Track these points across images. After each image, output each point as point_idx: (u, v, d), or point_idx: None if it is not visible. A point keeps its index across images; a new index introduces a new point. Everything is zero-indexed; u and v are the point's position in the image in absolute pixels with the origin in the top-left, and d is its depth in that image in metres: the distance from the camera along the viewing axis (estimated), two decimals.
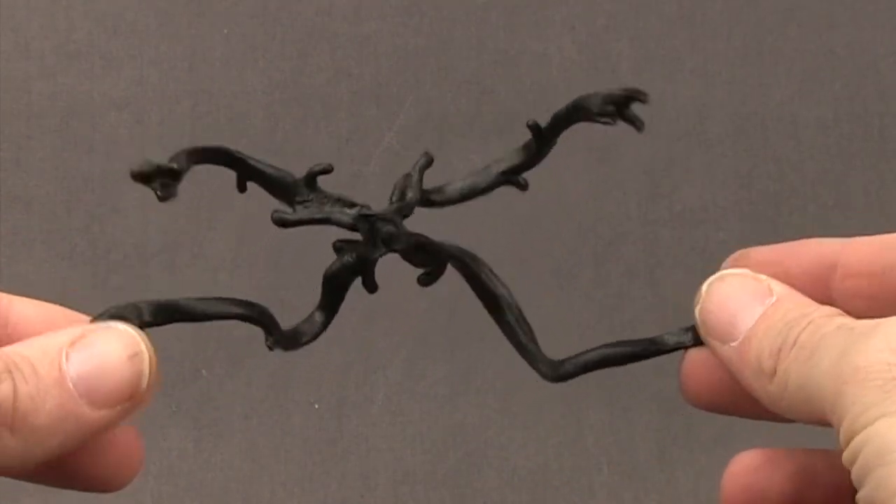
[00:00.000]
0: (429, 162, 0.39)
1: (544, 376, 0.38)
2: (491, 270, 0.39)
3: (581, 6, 0.87)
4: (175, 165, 0.36)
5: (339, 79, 0.86)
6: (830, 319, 0.33)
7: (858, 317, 0.34)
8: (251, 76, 0.86)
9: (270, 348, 0.36)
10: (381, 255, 0.38)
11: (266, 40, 0.87)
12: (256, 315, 0.36)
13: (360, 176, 0.86)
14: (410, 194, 0.39)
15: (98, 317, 0.35)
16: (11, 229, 0.85)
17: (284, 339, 0.36)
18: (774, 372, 0.33)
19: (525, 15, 0.87)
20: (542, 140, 0.38)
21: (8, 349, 0.32)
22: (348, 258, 0.38)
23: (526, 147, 0.38)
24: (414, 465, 0.83)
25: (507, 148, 0.36)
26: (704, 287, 0.38)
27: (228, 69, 0.86)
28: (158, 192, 0.36)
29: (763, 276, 0.36)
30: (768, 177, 0.86)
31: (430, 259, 0.39)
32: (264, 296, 0.87)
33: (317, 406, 0.83)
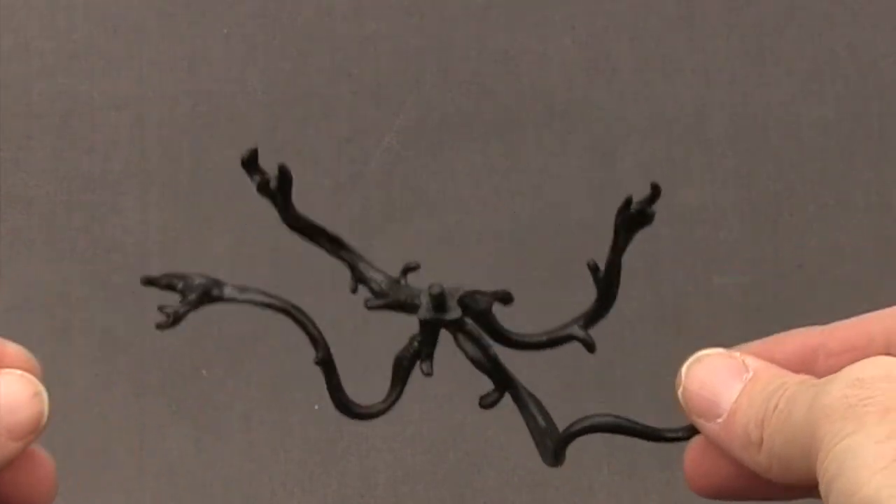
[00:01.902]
0: (507, 297, 0.42)
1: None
2: (550, 417, 0.43)
3: (581, 6, 0.87)
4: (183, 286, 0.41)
5: (339, 79, 0.86)
6: (802, 379, 0.36)
7: None
8: (251, 76, 0.86)
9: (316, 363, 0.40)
10: (431, 322, 0.42)
11: (266, 40, 0.87)
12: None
13: (360, 176, 0.86)
14: (478, 297, 0.42)
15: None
16: (11, 229, 0.85)
17: (345, 405, 0.40)
18: (762, 441, 0.36)
19: (525, 15, 0.87)
20: (598, 277, 0.42)
21: None
22: (415, 336, 0.43)
23: (593, 303, 0.42)
24: (414, 465, 0.83)
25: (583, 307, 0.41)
26: (683, 370, 0.39)
27: (228, 69, 0.86)
28: (258, 183, 0.39)
29: (737, 353, 0.39)
30: (768, 177, 0.86)
31: (486, 364, 0.42)
32: None
33: (317, 406, 0.83)
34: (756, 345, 0.40)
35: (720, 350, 0.39)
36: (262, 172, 0.39)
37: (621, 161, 0.86)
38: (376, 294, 0.43)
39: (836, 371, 0.37)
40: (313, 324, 0.42)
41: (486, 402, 0.42)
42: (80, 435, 0.83)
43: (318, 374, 0.81)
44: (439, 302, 0.41)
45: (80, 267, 0.84)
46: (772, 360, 0.39)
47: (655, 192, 0.38)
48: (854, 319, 0.41)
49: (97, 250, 0.85)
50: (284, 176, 0.38)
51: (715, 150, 0.86)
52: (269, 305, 0.41)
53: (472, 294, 0.41)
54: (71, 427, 0.83)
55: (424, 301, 0.41)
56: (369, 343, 0.84)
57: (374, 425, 0.86)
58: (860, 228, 0.86)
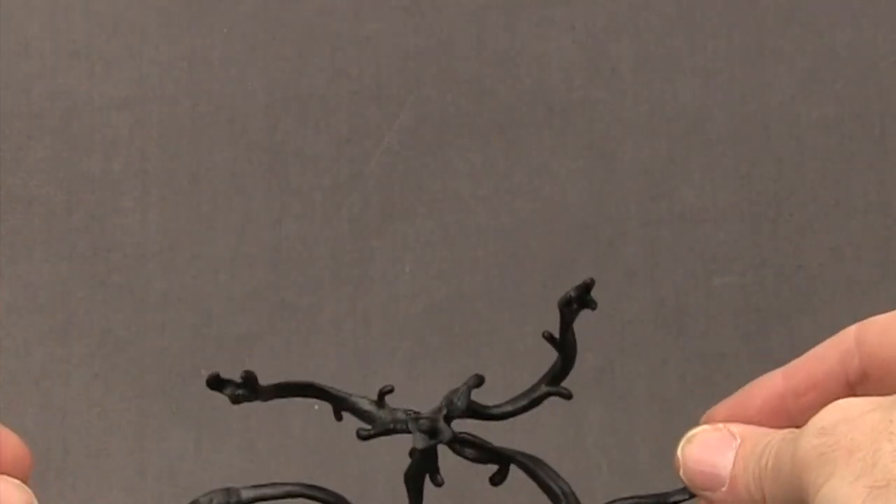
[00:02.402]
0: (479, 382, 0.47)
1: None
2: (554, 472, 0.48)
3: (581, 6, 0.87)
4: (245, 378, 0.43)
5: (339, 79, 0.86)
6: (783, 435, 0.39)
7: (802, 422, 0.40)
8: (251, 76, 0.86)
9: None
10: (429, 449, 0.46)
11: (266, 40, 0.87)
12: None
13: (360, 176, 0.86)
14: (457, 402, 0.47)
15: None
16: (11, 229, 0.85)
17: None
18: (764, 499, 0.39)
19: (525, 15, 0.87)
20: (557, 345, 0.45)
21: None
22: (417, 458, 0.47)
23: (553, 366, 0.46)
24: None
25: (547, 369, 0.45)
26: (679, 451, 0.43)
27: (228, 69, 0.86)
28: (230, 397, 0.43)
29: (721, 426, 0.42)
30: (768, 177, 0.86)
31: (486, 456, 0.47)
32: (264, 296, 0.88)
33: (317, 406, 0.83)
34: (730, 403, 0.44)
35: (706, 427, 0.43)
36: (231, 386, 0.43)
37: (621, 161, 0.86)
38: (364, 420, 0.46)
39: (808, 408, 0.41)
40: (331, 493, 0.47)
41: (496, 481, 0.47)
42: (80, 435, 0.83)
43: (317, 375, 0.81)
44: (432, 431, 0.45)
45: (80, 267, 0.84)
46: (746, 415, 0.43)
47: (586, 289, 0.43)
48: (810, 354, 0.44)
49: (97, 250, 0.85)
50: (251, 382, 0.43)
51: (715, 150, 0.86)
52: (286, 495, 0.45)
53: (451, 401, 0.45)
54: (71, 427, 0.83)
55: (414, 429, 0.45)
56: (369, 343, 0.84)
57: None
58: (860, 228, 0.86)
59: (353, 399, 0.47)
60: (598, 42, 0.87)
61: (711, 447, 0.42)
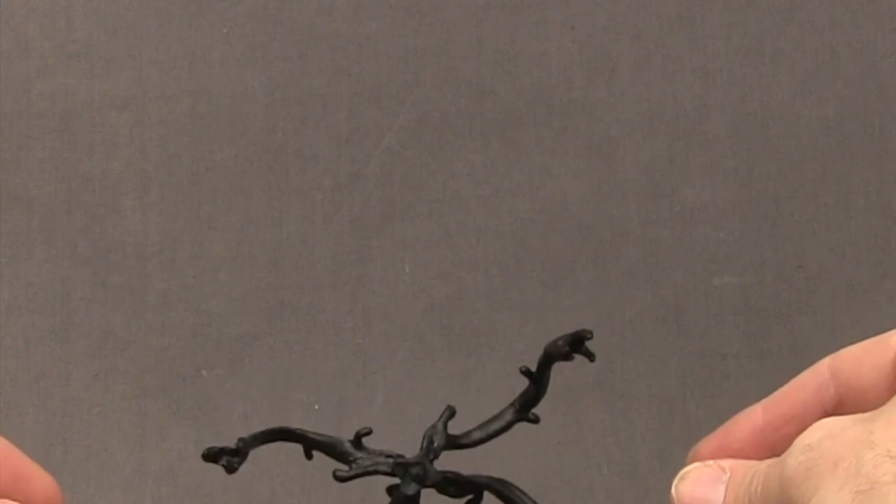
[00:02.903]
0: (452, 414, 0.48)
1: None
2: (521, 492, 0.48)
3: (581, 6, 0.87)
4: (240, 445, 0.44)
5: (339, 79, 0.86)
6: (769, 464, 0.40)
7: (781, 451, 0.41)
8: (251, 76, 0.86)
9: None
10: (417, 492, 0.47)
11: (266, 40, 0.87)
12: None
13: (360, 176, 0.86)
14: (437, 441, 0.48)
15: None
16: (11, 229, 0.85)
17: None
18: None
19: (525, 15, 0.87)
20: (534, 380, 0.46)
21: None
22: (396, 500, 0.47)
23: (525, 392, 0.47)
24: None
25: (514, 397, 0.46)
26: (673, 490, 0.44)
27: (228, 69, 0.86)
28: (225, 467, 0.44)
29: (710, 462, 0.44)
30: (768, 177, 0.86)
31: (465, 489, 0.48)
32: (264, 296, 0.88)
33: (317, 406, 0.83)
34: (714, 439, 0.47)
35: (697, 464, 0.45)
36: (226, 457, 0.44)
37: (621, 161, 0.86)
38: (341, 461, 0.47)
39: (788, 438, 0.42)
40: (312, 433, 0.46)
41: None
42: (80, 435, 0.83)
43: (317, 375, 0.81)
44: (421, 477, 0.46)
45: (80, 267, 0.84)
46: (731, 449, 0.45)
47: (580, 340, 0.44)
48: (787, 387, 0.46)
49: (97, 250, 0.85)
50: (244, 454, 0.44)
51: (715, 150, 0.86)
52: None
53: (431, 440, 0.46)
54: (70, 427, 0.83)
55: (404, 475, 0.47)
56: (369, 343, 0.84)
57: (373, 426, 0.86)
58: (860, 228, 0.86)
59: (330, 441, 0.48)
60: (597, 42, 0.87)
61: (703, 482, 0.43)
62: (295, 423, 0.85)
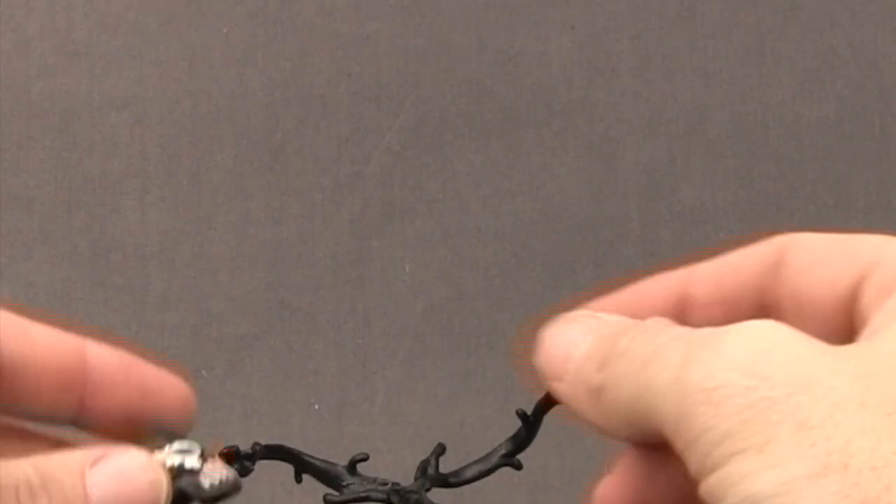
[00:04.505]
0: (443, 450, 0.47)
1: None
2: None
3: (581, 6, 0.87)
4: (257, 449, 0.44)
5: (339, 79, 0.86)
6: (664, 329, 0.31)
7: None
8: (251, 76, 0.86)
9: None
10: None
11: (266, 40, 0.87)
12: None
13: (360, 176, 0.86)
14: (431, 471, 0.47)
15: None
16: (11, 229, 0.85)
17: None
18: (602, 386, 0.31)
19: (525, 15, 0.87)
20: (528, 426, 0.44)
21: (32, 467, 0.33)
22: None
23: (517, 434, 0.45)
24: (414, 466, 0.83)
25: (504, 440, 0.44)
26: (540, 336, 0.35)
27: (228, 69, 0.86)
28: (239, 470, 0.44)
29: (585, 312, 0.35)
30: (768, 177, 0.86)
31: None
32: (264, 296, 0.88)
33: (317, 406, 0.83)
34: (615, 299, 0.36)
35: (579, 311, 0.35)
36: (241, 460, 0.43)
37: (621, 161, 0.86)
38: (332, 487, 0.46)
39: (710, 323, 0.32)
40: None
41: None
42: (80, 435, 0.83)
43: (317, 375, 0.81)
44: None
45: (80, 267, 0.84)
46: (639, 313, 0.34)
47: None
48: (722, 261, 0.36)
49: (97, 250, 0.85)
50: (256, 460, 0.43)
51: (715, 150, 0.86)
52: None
53: (425, 471, 0.46)
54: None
55: (399, 501, 0.46)
56: (369, 343, 0.84)
57: (373, 426, 0.86)
58: (860, 228, 0.86)
59: (323, 466, 0.47)
60: (598, 42, 0.87)
61: (572, 331, 0.34)
62: (295, 424, 0.85)
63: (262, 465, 0.44)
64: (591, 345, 0.32)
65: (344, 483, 0.47)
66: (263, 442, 0.42)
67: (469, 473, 0.48)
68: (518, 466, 0.46)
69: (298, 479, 0.48)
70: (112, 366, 0.37)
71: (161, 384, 0.38)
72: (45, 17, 0.87)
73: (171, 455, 0.38)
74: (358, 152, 0.86)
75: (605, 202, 0.85)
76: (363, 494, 0.46)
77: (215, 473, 0.38)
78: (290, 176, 0.86)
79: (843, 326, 0.33)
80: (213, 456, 0.39)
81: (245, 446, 0.45)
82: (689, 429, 0.28)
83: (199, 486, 0.37)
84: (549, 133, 0.86)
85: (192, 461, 0.38)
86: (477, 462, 0.48)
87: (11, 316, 0.36)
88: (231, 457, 0.44)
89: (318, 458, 0.47)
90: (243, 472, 0.43)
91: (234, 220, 0.85)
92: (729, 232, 0.85)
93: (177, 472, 0.37)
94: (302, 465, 0.48)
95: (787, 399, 0.27)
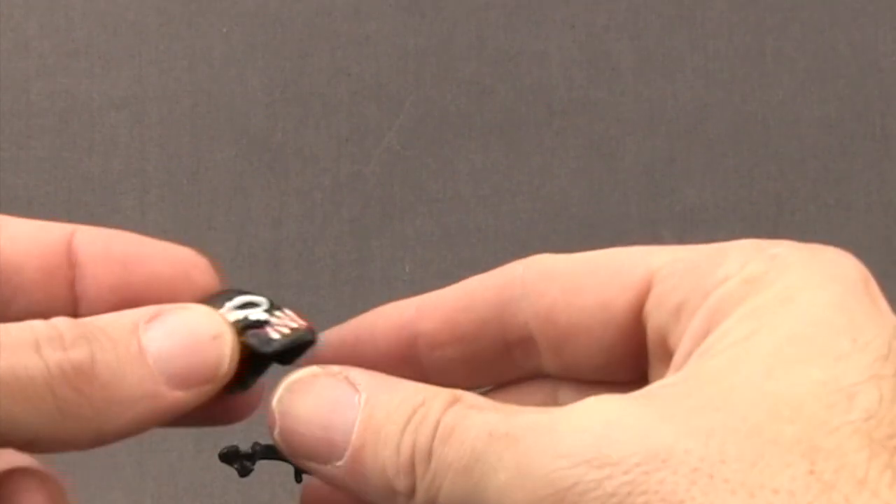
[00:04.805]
0: None
1: None
2: None
3: (581, 6, 0.87)
4: (257, 449, 0.40)
5: (339, 79, 0.86)
6: (463, 418, 0.29)
7: (456, 385, 0.30)
8: (251, 76, 0.86)
9: None
10: None
11: (266, 40, 0.87)
12: None
13: (359, 176, 0.85)
14: None
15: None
16: None
17: None
18: (413, 490, 0.29)
19: (525, 15, 0.87)
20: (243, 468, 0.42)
21: (83, 319, 0.30)
22: None
23: None
24: None
25: None
26: (274, 403, 0.32)
27: (228, 69, 0.86)
28: (239, 470, 0.40)
29: (335, 368, 0.31)
30: (768, 177, 0.86)
31: None
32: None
33: None
34: (343, 333, 0.34)
35: (314, 369, 0.32)
36: (241, 460, 0.40)
37: (621, 160, 0.85)
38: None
39: (446, 370, 0.30)
40: None
41: None
42: None
43: None
44: None
45: None
46: (363, 356, 0.32)
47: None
48: (449, 296, 0.33)
49: None
50: (256, 460, 0.39)
51: (715, 150, 0.86)
52: None
53: None
54: None
55: None
56: None
57: None
58: (860, 228, 0.86)
59: None
60: (598, 42, 0.87)
61: (323, 401, 0.30)
62: None
63: (262, 465, 0.43)
64: (376, 438, 0.29)
65: None
66: (263, 442, 0.40)
67: None
68: None
69: (298, 479, 0.47)
70: (94, 245, 0.34)
71: (150, 254, 0.34)
72: (44, 16, 0.87)
73: (233, 311, 0.33)
74: (358, 152, 0.86)
75: (605, 202, 0.85)
76: None
77: (285, 324, 0.33)
78: (290, 176, 0.86)
79: (621, 348, 0.31)
80: (281, 308, 0.34)
81: (245, 446, 0.43)
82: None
83: (268, 338, 0.32)
84: (549, 133, 0.86)
85: (257, 313, 0.33)
86: None
87: None
88: (228, 460, 0.40)
89: None
90: (243, 472, 0.41)
91: (234, 220, 0.85)
92: (729, 232, 0.85)
93: (242, 328, 0.32)
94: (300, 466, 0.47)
95: (646, 478, 0.25)
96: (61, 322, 0.29)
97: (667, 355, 0.30)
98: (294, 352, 0.33)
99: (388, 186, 0.85)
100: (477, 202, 0.85)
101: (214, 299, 0.33)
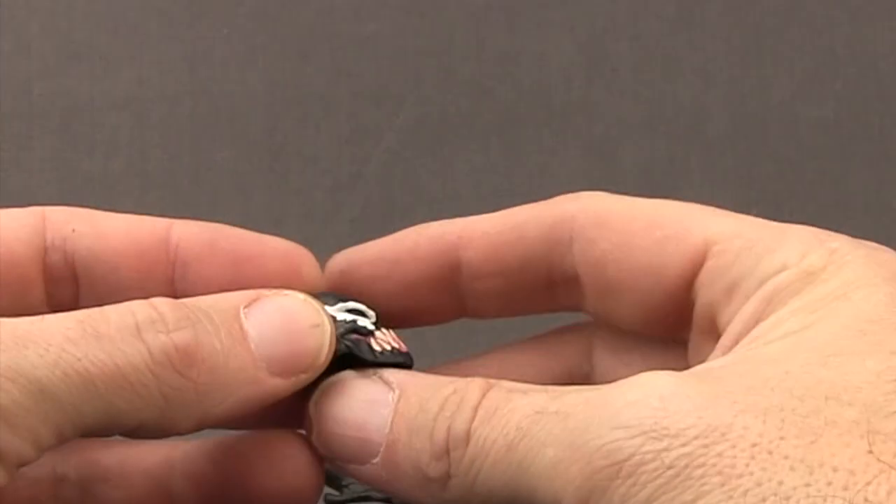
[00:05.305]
0: None
1: None
2: None
3: (581, 6, 0.87)
4: None
5: (339, 79, 0.86)
6: (505, 400, 0.28)
7: (493, 314, 0.29)
8: (251, 76, 0.86)
9: None
10: None
11: (266, 40, 0.87)
12: None
13: (360, 176, 0.86)
14: None
15: None
16: None
17: None
18: (448, 476, 0.28)
19: (525, 15, 0.87)
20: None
21: (184, 300, 0.29)
22: None
23: None
24: None
25: None
26: (311, 407, 0.31)
27: (228, 69, 0.86)
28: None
29: (370, 371, 0.31)
30: (768, 177, 0.86)
31: None
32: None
33: None
34: (371, 253, 0.32)
35: (348, 372, 0.31)
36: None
37: (621, 160, 0.85)
38: (332, 486, 0.44)
39: (486, 297, 0.29)
40: None
41: None
42: None
43: None
44: None
45: None
46: (399, 278, 0.31)
47: None
48: (498, 224, 0.32)
49: None
50: None
51: (715, 150, 0.86)
52: None
53: None
54: None
55: (400, 501, 0.46)
56: None
57: None
58: (860, 228, 0.85)
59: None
60: (598, 42, 0.87)
61: (357, 402, 0.30)
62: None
63: None
64: (409, 430, 0.29)
65: (345, 483, 0.46)
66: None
67: None
68: None
69: None
70: (197, 241, 0.33)
71: (257, 250, 0.33)
72: (45, 17, 0.87)
73: (343, 313, 0.33)
74: (358, 152, 0.86)
75: None
76: (364, 494, 0.45)
77: (387, 341, 0.33)
78: (290, 176, 0.86)
79: (665, 311, 0.31)
80: (387, 327, 0.33)
81: None
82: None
83: (369, 347, 0.32)
84: (549, 133, 0.86)
85: (365, 322, 0.33)
86: None
87: (80, 212, 0.33)
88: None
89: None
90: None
91: (235, 220, 0.84)
92: None
93: (345, 331, 0.32)
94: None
95: (705, 451, 0.25)
96: (162, 303, 0.29)
97: (712, 330, 0.31)
98: (386, 368, 0.33)
99: (388, 186, 0.85)
100: (477, 202, 0.85)
101: (325, 297, 0.33)
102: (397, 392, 0.30)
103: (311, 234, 0.87)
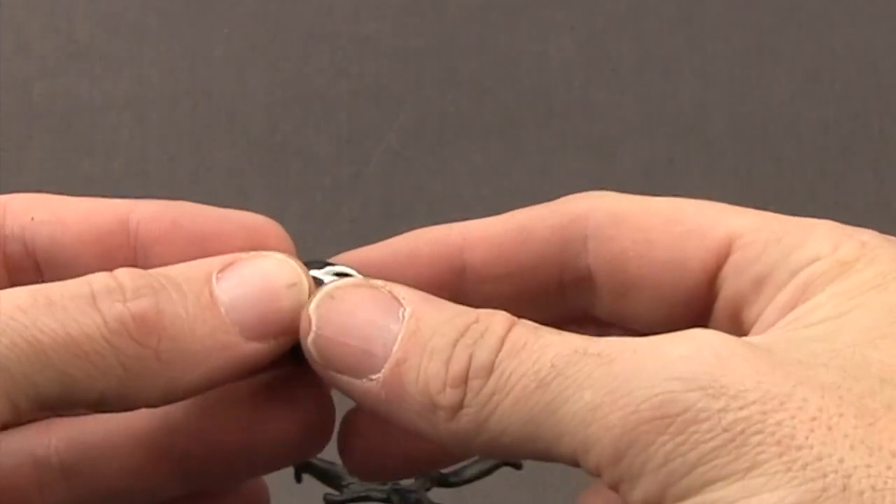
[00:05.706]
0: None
1: None
2: None
3: (581, 6, 0.87)
4: None
5: (339, 79, 0.86)
6: (534, 336, 0.26)
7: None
8: (251, 76, 0.86)
9: None
10: None
11: (266, 40, 0.87)
12: None
13: (360, 176, 0.86)
14: (432, 474, 0.47)
15: None
16: None
17: None
18: (460, 406, 0.26)
19: (525, 15, 0.87)
20: None
21: (151, 270, 0.29)
22: None
23: None
24: None
25: None
26: (312, 308, 0.29)
27: (228, 69, 0.86)
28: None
29: (378, 282, 0.29)
30: (767, 177, 0.86)
31: None
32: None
33: None
34: (374, 255, 0.32)
35: (357, 279, 0.29)
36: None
37: (621, 161, 0.86)
38: (332, 486, 0.46)
39: (492, 300, 0.28)
40: None
41: None
42: None
43: None
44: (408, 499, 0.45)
45: None
46: (408, 279, 0.30)
47: None
48: (503, 224, 0.32)
49: None
50: None
51: (715, 150, 0.86)
52: None
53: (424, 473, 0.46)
54: None
55: (399, 501, 0.47)
56: None
57: None
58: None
59: (324, 466, 0.46)
60: (598, 42, 0.87)
61: (367, 311, 0.28)
62: None
63: None
64: (423, 351, 0.27)
65: (344, 483, 0.47)
66: None
67: (469, 473, 0.47)
68: (518, 466, 0.46)
69: (298, 479, 0.47)
70: (159, 221, 0.32)
71: (222, 226, 0.31)
72: (45, 17, 0.87)
73: (329, 275, 0.30)
74: (358, 152, 0.86)
75: None
76: (363, 494, 0.46)
77: None
78: (290, 176, 0.86)
79: (686, 307, 0.30)
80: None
81: None
82: (636, 458, 0.24)
83: None
84: (549, 133, 0.86)
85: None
86: (477, 461, 0.47)
87: (40, 198, 0.33)
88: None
89: (318, 458, 0.47)
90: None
91: None
92: None
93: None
94: (302, 464, 0.47)
95: (763, 418, 0.23)
96: (123, 273, 0.28)
97: (733, 323, 0.29)
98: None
99: (388, 186, 0.85)
100: (477, 202, 0.85)
101: (314, 262, 0.31)
102: (409, 309, 0.28)
103: (311, 234, 0.87)
